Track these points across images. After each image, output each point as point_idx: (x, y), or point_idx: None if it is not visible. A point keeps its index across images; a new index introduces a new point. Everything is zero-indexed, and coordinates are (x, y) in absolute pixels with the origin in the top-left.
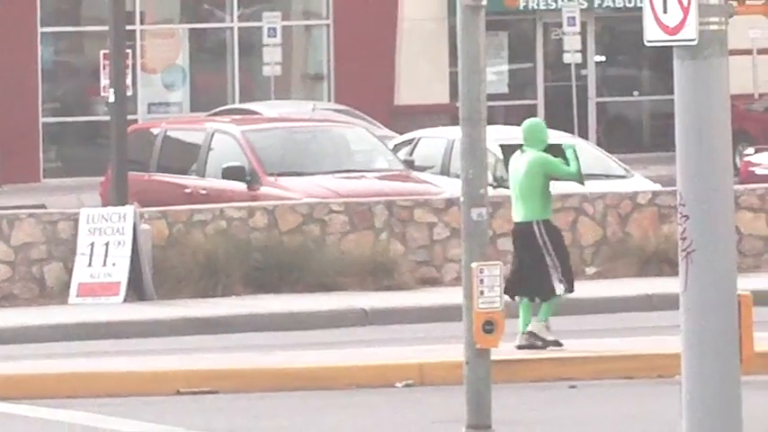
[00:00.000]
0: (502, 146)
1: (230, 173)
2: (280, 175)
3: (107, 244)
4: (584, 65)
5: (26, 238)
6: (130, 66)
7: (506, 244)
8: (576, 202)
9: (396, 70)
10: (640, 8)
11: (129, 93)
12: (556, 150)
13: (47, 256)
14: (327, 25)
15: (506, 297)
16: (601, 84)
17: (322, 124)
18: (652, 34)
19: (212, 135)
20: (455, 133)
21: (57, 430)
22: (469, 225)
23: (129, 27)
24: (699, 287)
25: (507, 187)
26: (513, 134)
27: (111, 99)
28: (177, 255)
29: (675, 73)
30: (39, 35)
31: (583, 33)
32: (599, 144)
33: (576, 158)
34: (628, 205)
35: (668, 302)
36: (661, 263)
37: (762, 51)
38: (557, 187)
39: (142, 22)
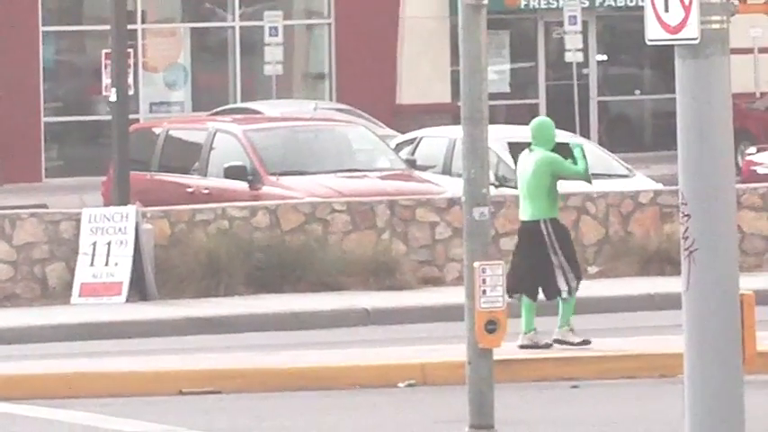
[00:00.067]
0: (510, 143)
1: (232, 172)
2: (282, 174)
3: (109, 244)
4: (585, 64)
5: (28, 237)
6: (132, 65)
7: (508, 243)
8: (579, 202)
9: (397, 69)
10: (642, 7)
11: (131, 92)
12: (564, 149)
13: (49, 255)
14: (329, 24)
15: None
16: (602, 83)
17: (324, 123)
18: (653, 33)
19: (214, 134)
20: (457, 132)
21: (58, 430)
22: (471, 224)
23: (130, 26)
24: (701, 286)
25: (509, 186)
26: (522, 133)
27: (113, 98)
28: (179, 254)
29: (677, 72)
30: (40, 34)
31: (584, 32)
32: (600, 143)
33: (584, 157)
34: (630, 204)
35: (670, 302)
36: (663, 262)
37: (763, 50)
38: (559, 186)
39: (144, 21)
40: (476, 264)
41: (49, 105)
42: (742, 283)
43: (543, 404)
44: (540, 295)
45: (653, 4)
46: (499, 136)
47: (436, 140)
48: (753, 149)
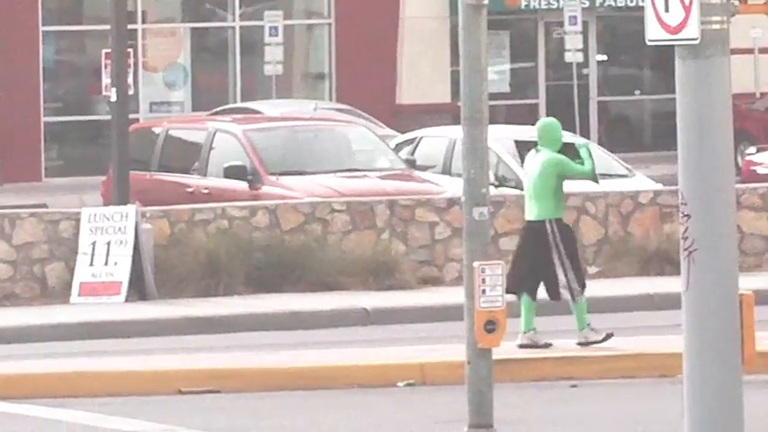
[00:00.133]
0: (516, 142)
1: (232, 172)
2: (281, 174)
3: (109, 243)
4: (585, 64)
5: (28, 237)
6: (132, 65)
7: (508, 243)
8: (578, 202)
9: (397, 69)
10: (642, 7)
11: (131, 92)
12: (570, 149)
13: (48, 255)
14: (329, 24)
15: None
16: (602, 83)
17: (324, 123)
18: (654, 33)
19: (214, 134)
20: (457, 132)
21: (57, 429)
22: (471, 224)
23: (130, 26)
24: (700, 286)
25: (509, 186)
26: (528, 133)
27: (113, 98)
28: (179, 254)
29: (677, 72)
30: (40, 34)
31: (584, 32)
32: (600, 143)
33: (591, 157)
34: (629, 204)
35: (670, 302)
36: (662, 262)
37: (763, 51)
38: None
39: (144, 21)
40: (475, 264)
41: (48, 105)
42: (741, 283)
43: (542, 404)
44: (542, 295)
45: (653, 5)
46: (506, 135)
47: (436, 140)
48: (752, 150)
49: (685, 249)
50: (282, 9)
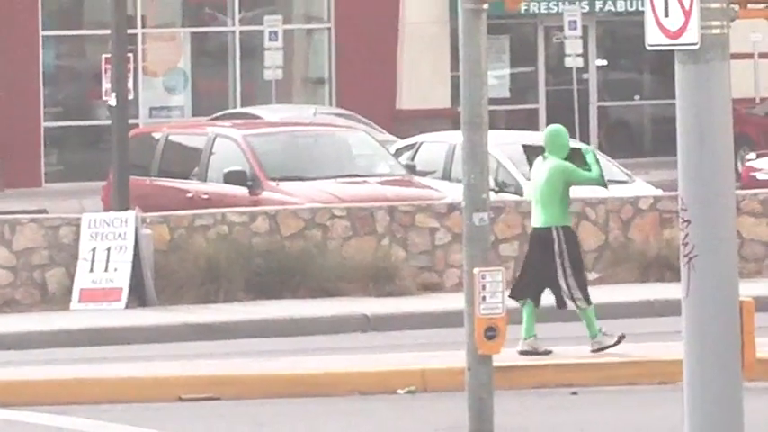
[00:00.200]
0: (524, 146)
1: (232, 177)
2: (281, 179)
3: (109, 249)
4: (585, 69)
5: (28, 243)
6: (132, 69)
7: (508, 249)
8: (578, 207)
9: (397, 74)
10: (642, 12)
11: (131, 97)
12: (577, 156)
13: (48, 261)
14: (329, 29)
15: (514, 301)
16: (602, 88)
17: (324, 129)
18: (653, 38)
19: (214, 139)
20: (457, 138)
21: None
22: (471, 230)
23: (130, 31)
24: (701, 293)
25: (509, 192)
26: (538, 138)
27: (113, 103)
28: (179, 260)
29: (677, 77)
30: (40, 39)
31: (584, 37)
32: (600, 149)
33: (597, 162)
34: (629, 210)
35: (670, 308)
36: (663, 268)
37: (763, 55)
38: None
39: (143, 26)
40: (475, 270)
41: (48, 110)
42: (741, 289)
43: (543, 411)
44: (545, 302)
45: (653, 9)
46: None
47: (436, 146)
48: (752, 155)
49: (685, 255)
50: (282, 14)
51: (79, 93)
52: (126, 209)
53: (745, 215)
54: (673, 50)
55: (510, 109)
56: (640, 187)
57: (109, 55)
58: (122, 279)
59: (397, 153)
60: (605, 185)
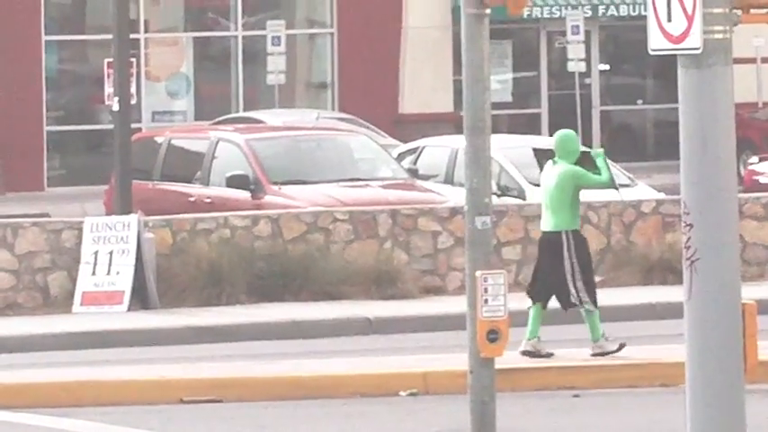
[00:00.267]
0: (534, 149)
1: (234, 181)
2: (284, 183)
3: (111, 253)
4: (588, 73)
5: (30, 246)
6: (134, 74)
7: (510, 253)
8: (581, 211)
9: (400, 79)
10: (644, 17)
11: (134, 101)
12: (586, 160)
13: (51, 264)
14: (331, 34)
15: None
16: (605, 92)
17: (326, 133)
18: (656, 43)
19: (216, 143)
20: (459, 142)
21: None
22: (474, 234)
23: (133, 35)
24: (703, 296)
25: (511, 196)
26: (541, 143)
27: (116, 107)
28: (181, 263)
29: (679, 81)
30: (43, 43)
31: (587, 42)
32: None
33: (607, 165)
34: (632, 214)
35: (672, 311)
36: (665, 271)
37: (766, 60)
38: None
39: (146, 31)
40: (478, 273)
41: (51, 114)
42: (744, 292)
43: (545, 413)
44: (551, 305)
45: (656, 14)
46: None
47: (438, 150)
48: (755, 159)
49: (688, 259)
50: (285, 19)
51: (82, 97)
52: (128, 212)
53: (748, 219)
54: (675, 55)
55: (512, 113)
56: (643, 191)
57: (111, 59)
58: (125, 282)
59: (400, 157)
60: (617, 188)
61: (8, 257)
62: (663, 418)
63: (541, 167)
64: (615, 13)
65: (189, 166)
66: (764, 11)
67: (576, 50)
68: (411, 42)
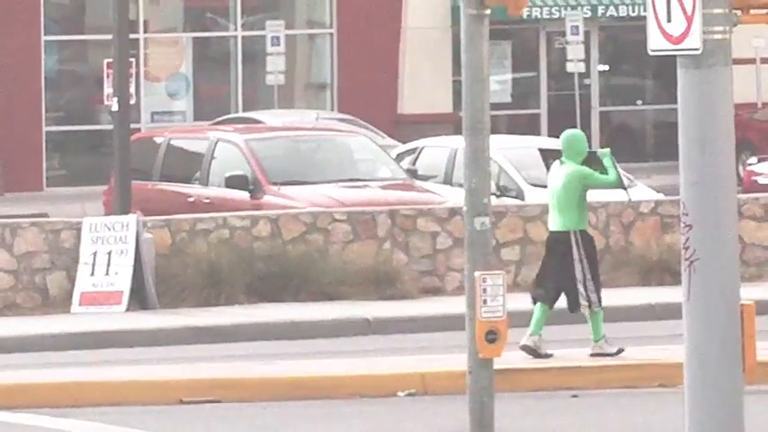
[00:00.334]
0: (540, 149)
1: (233, 182)
2: (283, 184)
3: (110, 253)
4: (587, 74)
5: (29, 246)
6: (134, 74)
7: (509, 253)
8: None
9: (399, 79)
10: (644, 17)
11: (133, 101)
12: (593, 159)
13: (49, 265)
14: (331, 34)
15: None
16: (604, 93)
17: (325, 133)
18: (656, 43)
19: (216, 144)
20: (458, 142)
21: None
22: (472, 234)
23: (132, 35)
24: (702, 296)
25: (510, 196)
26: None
27: (115, 108)
28: (180, 264)
29: (679, 82)
30: (42, 43)
31: (586, 42)
32: None
33: (614, 165)
34: (630, 214)
35: (671, 312)
36: (663, 272)
37: (765, 60)
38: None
39: (146, 31)
40: (476, 273)
41: (50, 114)
42: (743, 293)
43: (543, 413)
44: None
45: (655, 15)
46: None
47: (437, 150)
48: (754, 160)
49: (686, 259)
50: (284, 19)
51: (81, 97)
52: (127, 213)
53: (747, 219)
54: (675, 55)
55: (512, 114)
56: (642, 191)
57: (111, 59)
58: (123, 283)
59: (399, 158)
60: (624, 188)
61: (7, 258)
62: (661, 418)
63: (548, 167)
64: (615, 14)
65: (188, 166)
66: (764, 11)
67: (575, 51)
68: (410, 43)
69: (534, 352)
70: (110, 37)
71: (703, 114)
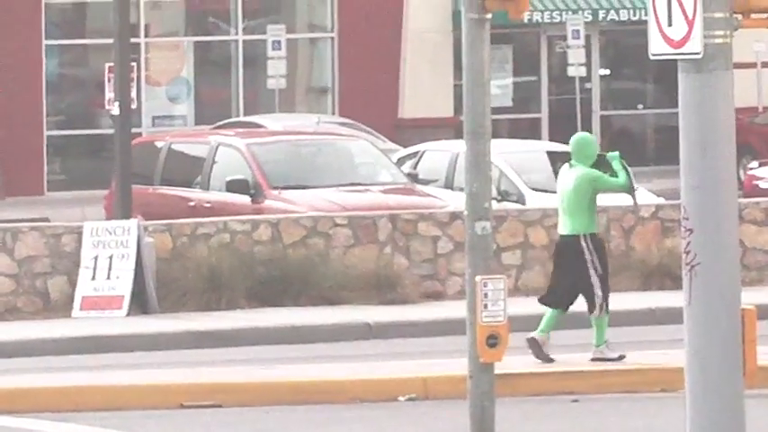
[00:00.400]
0: (548, 152)
1: (234, 186)
2: (284, 188)
3: (111, 257)
4: (588, 78)
5: (30, 251)
6: (135, 78)
7: (510, 258)
8: None
9: (400, 83)
10: (645, 21)
11: (134, 106)
12: (603, 163)
13: (50, 269)
14: (332, 38)
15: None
16: (605, 97)
17: (326, 137)
18: (657, 47)
19: (216, 148)
20: (459, 147)
21: None
22: (473, 238)
23: (133, 40)
24: (702, 301)
25: (511, 201)
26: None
27: (116, 112)
28: (181, 268)
29: (680, 86)
30: (43, 48)
31: (587, 46)
32: None
33: (624, 168)
34: (631, 219)
35: (671, 316)
36: (664, 276)
37: (766, 65)
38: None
39: (147, 35)
40: (477, 278)
41: (51, 119)
42: (743, 297)
43: (544, 418)
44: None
45: (656, 19)
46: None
47: (438, 154)
48: (755, 164)
49: (687, 264)
50: (285, 23)
51: (82, 101)
52: (128, 217)
53: (748, 224)
54: (676, 60)
55: (513, 118)
56: (642, 196)
57: (112, 64)
58: (124, 287)
59: (400, 162)
60: (633, 191)
61: (8, 262)
62: (662, 422)
63: (556, 172)
64: (616, 18)
65: (189, 170)
66: (765, 15)
67: (576, 55)
68: (411, 47)
69: (539, 348)
70: (111, 41)
71: (704, 118)
